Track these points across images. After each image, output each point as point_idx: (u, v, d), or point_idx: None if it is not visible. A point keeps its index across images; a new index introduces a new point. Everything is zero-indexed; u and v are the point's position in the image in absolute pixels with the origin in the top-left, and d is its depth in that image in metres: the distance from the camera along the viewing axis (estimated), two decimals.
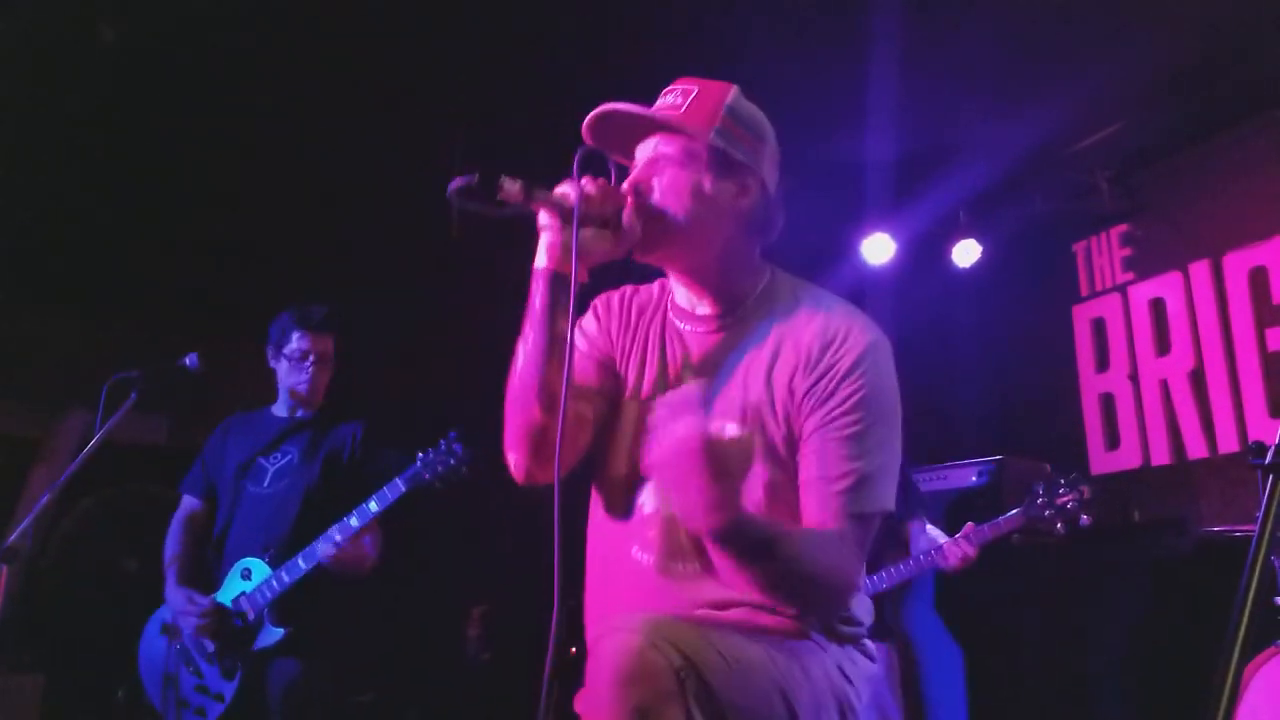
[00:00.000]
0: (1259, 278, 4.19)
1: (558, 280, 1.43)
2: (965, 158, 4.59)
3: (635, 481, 1.52)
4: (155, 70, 3.88)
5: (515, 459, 1.51)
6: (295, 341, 3.09)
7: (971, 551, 3.26)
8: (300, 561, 2.84)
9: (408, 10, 3.73)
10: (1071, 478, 3.26)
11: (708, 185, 1.51)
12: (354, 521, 2.82)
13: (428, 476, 2.81)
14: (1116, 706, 4.15)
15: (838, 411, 1.43)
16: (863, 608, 1.59)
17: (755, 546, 1.32)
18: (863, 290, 5.39)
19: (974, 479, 4.12)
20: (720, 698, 1.27)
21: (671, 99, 1.55)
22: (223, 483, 3.09)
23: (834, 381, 1.44)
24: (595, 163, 1.50)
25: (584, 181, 1.43)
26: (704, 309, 1.58)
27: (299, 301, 3.19)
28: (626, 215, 1.47)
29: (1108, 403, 4.72)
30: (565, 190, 1.43)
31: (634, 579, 1.52)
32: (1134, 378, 4.63)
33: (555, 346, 1.42)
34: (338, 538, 2.79)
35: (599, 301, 1.71)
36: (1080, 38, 3.86)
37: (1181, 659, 3.37)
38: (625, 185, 1.52)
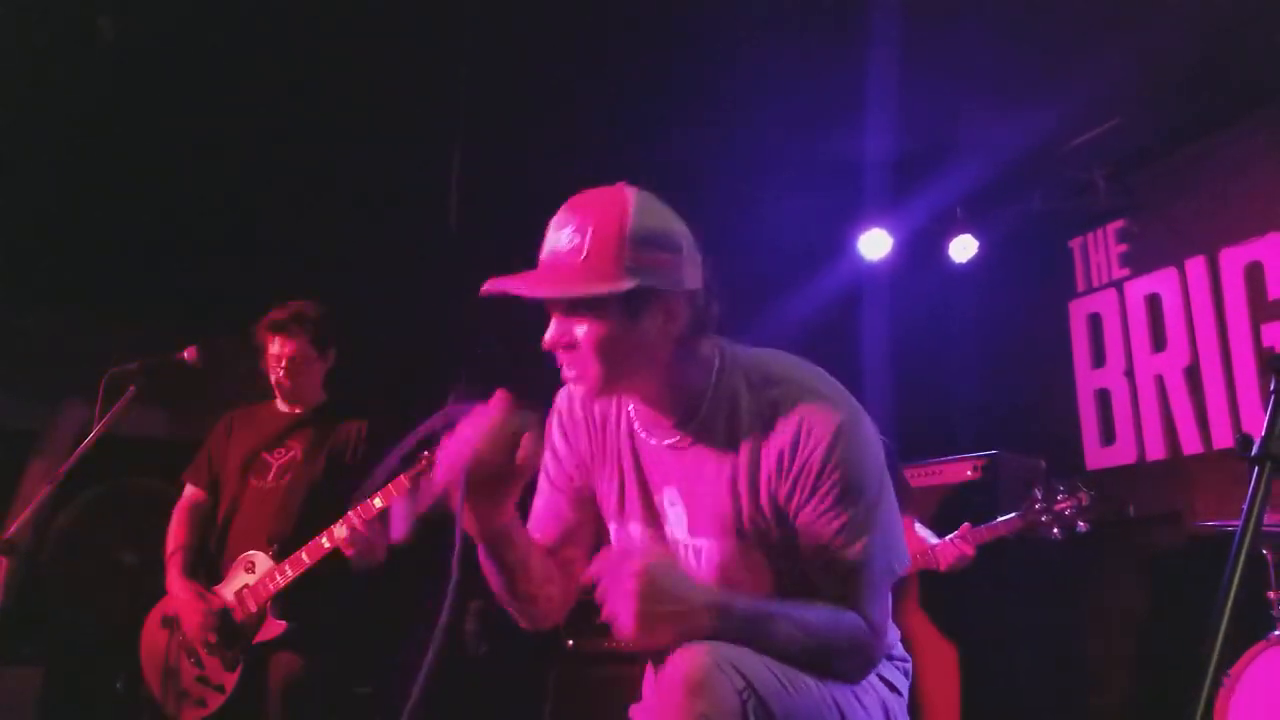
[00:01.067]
0: (1255, 273, 4.20)
1: (488, 541, 1.51)
2: (962, 154, 4.61)
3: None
4: (154, 67, 3.89)
5: (523, 621, 1.65)
6: (265, 343, 3.12)
7: (969, 551, 3.27)
8: (304, 555, 2.86)
9: (405, 7, 3.73)
10: (1070, 482, 3.26)
11: (630, 330, 1.43)
12: (357, 519, 2.83)
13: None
14: (1111, 701, 4.17)
15: (825, 505, 1.44)
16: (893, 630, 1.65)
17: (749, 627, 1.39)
18: (860, 286, 5.40)
19: (968, 474, 4.13)
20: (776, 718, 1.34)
21: (567, 240, 1.43)
22: (226, 475, 3.11)
23: (811, 478, 1.44)
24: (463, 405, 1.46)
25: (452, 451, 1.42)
26: (666, 422, 1.54)
27: (298, 292, 3.21)
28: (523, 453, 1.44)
29: (1103, 398, 4.74)
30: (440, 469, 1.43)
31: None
32: (1130, 373, 4.64)
33: (510, 568, 1.54)
34: (355, 520, 2.79)
35: (561, 410, 1.70)
36: (1077, 35, 3.87)
37: (1176, 653, 3.38)
38: (547, 340, 1.48)
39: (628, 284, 1.39)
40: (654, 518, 1.58)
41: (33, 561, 4.17)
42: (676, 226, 1.48)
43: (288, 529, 2.94)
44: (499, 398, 1.44)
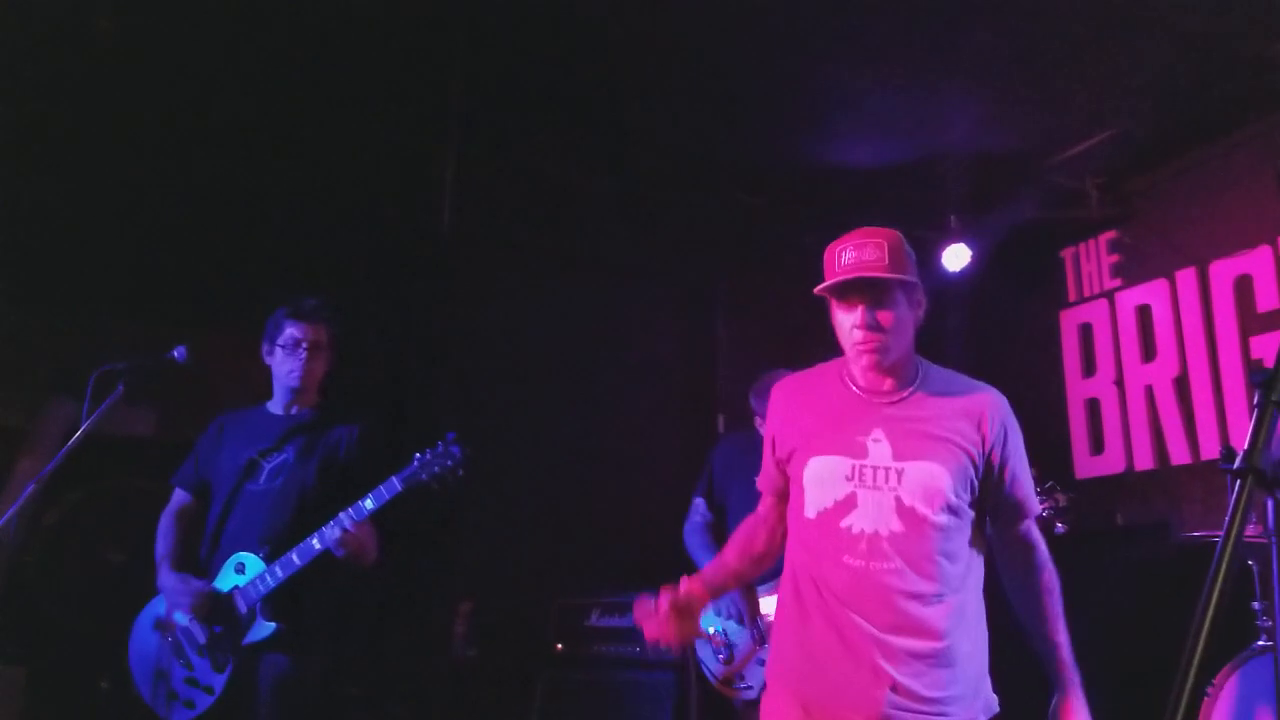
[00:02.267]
0: (1244, 286, 4.23)
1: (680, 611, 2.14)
2: (957, 163, 4.63)
3: (852, 508, 2.02)
4: (149, 66, 3.89)
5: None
6: (288, 331, 3.09)
7: None
8: (295, 557, 2.85)
9: (400, 8, 3.74)
10: (1048, 486, 3.27)
11: (909, 315, 2.07)
12: (347, 520, 2.83)
13: (424, 477, 2.82)
14: (1096, 711, 4.18)
15: (1008, 453, 2.06)
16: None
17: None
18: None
19: None
20: None
21: (871, 254, 2.02)
22: (217, 479, 3.09)
23: (1005, 434, 2.06)
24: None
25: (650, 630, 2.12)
26: (886, 385, 2.09)
27: (289, 293, 3.19)
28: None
29: (1093, 407, 4.76)
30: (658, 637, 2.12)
31: (847, 578, 1.99)
32: (1119, 383, 4.66)
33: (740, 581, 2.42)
34: (347, 521, 2.80)
35: (778, 394, 2.26)
36: (1072, 48, 3.89)
37: (1162, 664, 3.39)
38: (855, 320, 2.04)
39: (911, 279, 2.04)
40: (856, 450, 2.03)
41: (19, 560, 4.15)
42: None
43: (279, 531, 2.93)
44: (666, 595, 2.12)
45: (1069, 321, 4.96)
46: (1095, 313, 4.85)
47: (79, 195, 4.48)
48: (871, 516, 1.99)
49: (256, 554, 2.91)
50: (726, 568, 2.25)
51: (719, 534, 3.40)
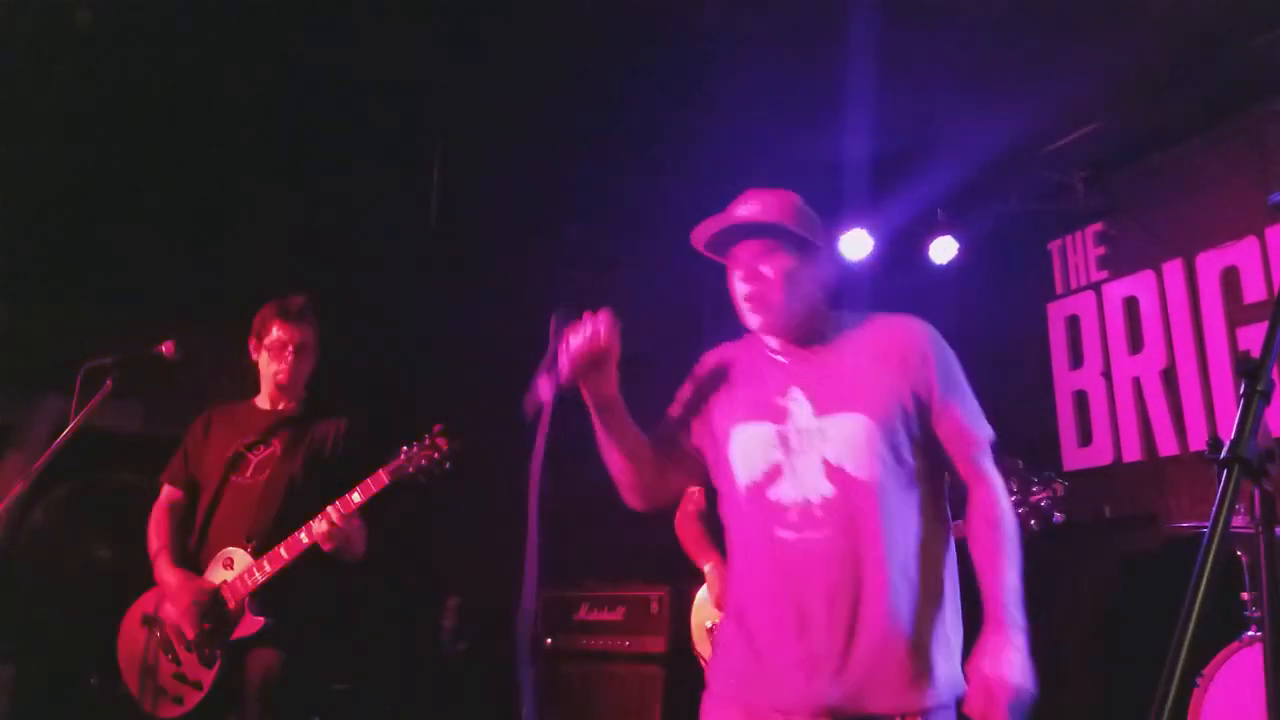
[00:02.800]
0: (1230, 278, 4.25)
1: (602, 413, 1.94)
2: (942, 155, 4.63)
3: (780, 476, 1.90)
4: (132, 57, 3.86)
5: (630, 501, 2.09)
6: (275, 332, 3.10)
7: None
8: (283, 551, 2.84)
9: (389, 7, 3.72)
10: (1045, 475, 3.27)
11: (810, 274, 1.97)
12: (335, 513, 2.82)
13: (411, 470, 2.82)
14: (1085, 703, 4.21)
15: (938, 384, 1.92)
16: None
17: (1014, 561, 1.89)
18: (840, 285, 5.42)
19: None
20: None
21: (759, 207, 1.96)
22: (205, 473, 3.08)
23: (924, 363, 1.92)
24: (564, 315, 1.92)
25: (568, 346, 1.86)
26: (797, 343, 2.00)
27: (276, 289, 3.19)
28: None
29: (1081, 400, 4.78)
30: (558, 368, 1.86)
31: (779, 553, 1.86)
32: (1107, 375, 4.68)
33: (617, 444, 1.98)
34: (333, 514, 2.79)
35: (705, 360, 2.14)
36: (1055, 38, 3.90)
37: (1151, 655, 3.42)
38: (740, 274, 1.96)
39: (809, 236, 1.94)
40: (777, 413, 1.93)
41: (7, 556, 4.13)
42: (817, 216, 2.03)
43: (266, 525, 2.93)
44: (600, 314, 1.89)
45: (1056, 314, 4.98)
46: (1082, 305, 4.86)
47: (66, 190, 4.45)
48: (799, 483, 1.85)
49: (244, 548, 2.90)
50: (631, 427, 2.01)
51: (712, 523, 3.40)
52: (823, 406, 1.88)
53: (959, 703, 1.80)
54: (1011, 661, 1.74)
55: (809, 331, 1.98)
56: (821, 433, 1.86)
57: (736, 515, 1.97)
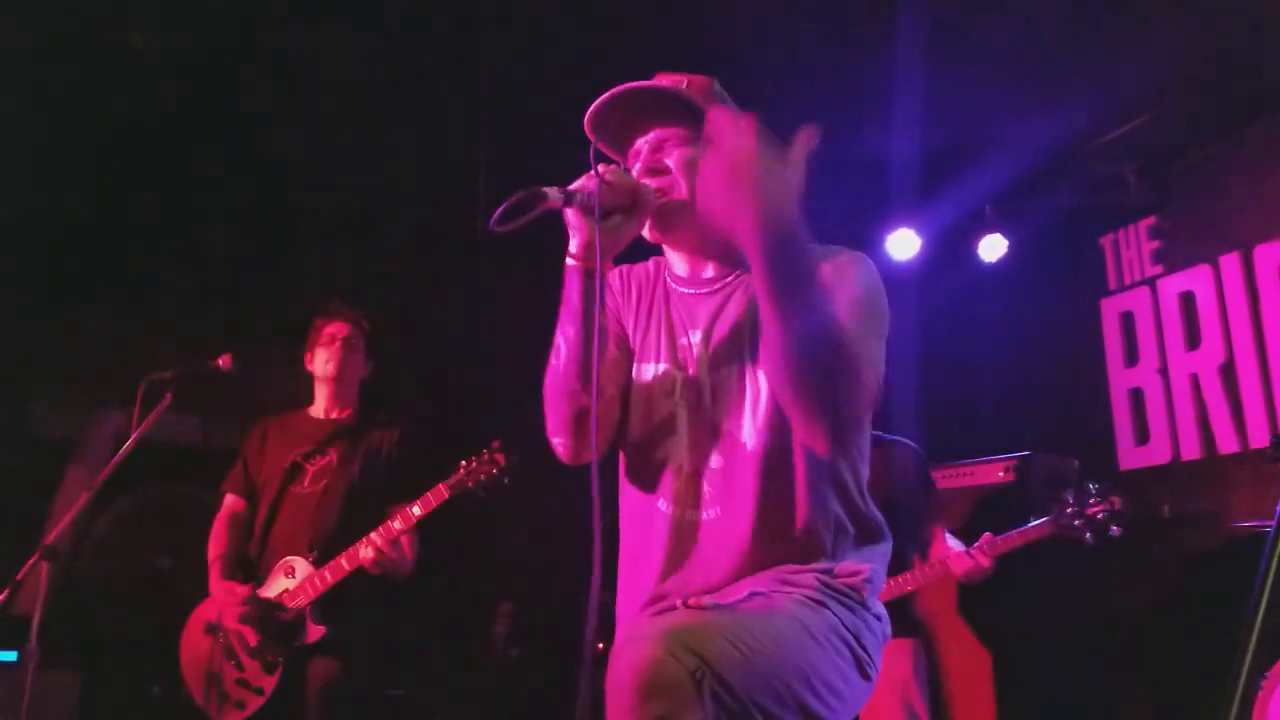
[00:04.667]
0: None
1: (590, 276, 1.51)
2: (991, 152, 4.57)
3: (672, 433, 1.61)
4: (186, 74, 3.95)
5: (562, 442, 1.62)
6: (321, 329, 3.21)
7: (985, 564, 3.21)
8: (343, 562, 2.90)
9: (431, 17, 3.77)
10: (1102, 486, 3.20)
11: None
12: (396, 524, 2.88)
13: (470, 485, 2.87)
14: (1147, 704, 4.12)
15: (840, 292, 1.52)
16: (879, 560, 1.62)
17: (802, 274, 1.38)
18: (888, 286, 5.36)
19: (1000, 475, 4.09)
20: (739, 691, 1.30)
21: (668, 83, 1.63)
22: (263, 482, 3.15)
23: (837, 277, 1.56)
24: (602, 157, 1.58)
25: (601, 171, 1.50)
26: (707, 273, 1.68)
27: (330, 302, 3.29)
28: (645, 196, 1.56)
29: (1137, 397, 4.68)
30: (585, 184, 1.50)
31: (661, 530, 1.59)
32: (1163, 372, 4.58)
33: (591, 337, 1.51)
34: (379, 541, 2.85)
35: (622, 272, 1.81)
36: (1107, 29, 3.83)
37: (1213, 656, 3.34)
38: (638, 170, 1.61)
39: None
40: (680, 361, 1.64)
41: (71, 567, 4.24)
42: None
43: (326, 534, 2.99)
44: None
45: (1110, 310, 4.88)
46: (1137, 300, 4.77)
47: (126, 210, 4.57)
48: (688, 447, 1.57)
49: (305, 558, 2.96)
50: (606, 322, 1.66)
51: None
52: (718, 357, 1.59)
53: None
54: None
55: (723, 255, 1.63)
56: (713, 389, 1.58)
57: (625, 477, 1.69)
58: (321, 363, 3.20)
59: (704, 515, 1.56)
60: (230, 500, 3.22)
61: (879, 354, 1.56)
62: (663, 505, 1.60)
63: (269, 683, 2.92)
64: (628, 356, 1.71)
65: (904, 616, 3.27)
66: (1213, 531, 4.10)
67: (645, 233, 1.62)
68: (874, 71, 3.97)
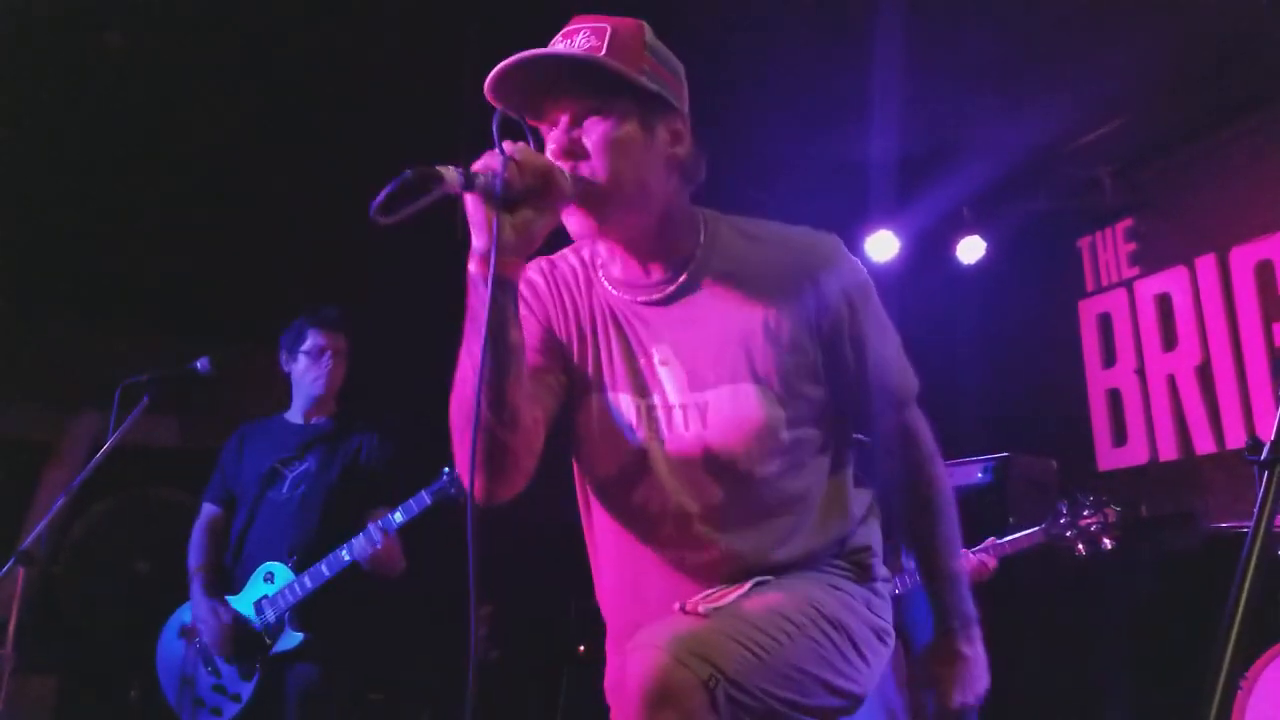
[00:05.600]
0: (1265, 272, 4.18)
1: (500, 280, 1.23)
2: (969, 154, 4.60)
3: (646, 473, 1.40)
4: (163, 75, 3.92)
5: (478, 482, 1.31)
6: (311, 339, 3.15)
7: (991, 563, 3.22)
8: (324, 568, 2.88)
9: (415, 14, 3.76)
10: (1095, 499, 3.21)
11: (642, 139, 1.33)
12: (378, 534, 2.86)
13: (453, 491, 2.86)
14: (1122, 704, 4.15)
15: (861, 325, 1.42)
16: (876, 527, 1.57)
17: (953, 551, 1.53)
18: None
19: (979, 476, 4.12)
20: (757, 693, 1.24)
21: (583, 40, 1.32)
22: (241, 489, 3.13)
23: (841, 303, 1.41)
24: (512, 129, 1.31)
25: (509, 149, 1.22)
26: (653, 275, 1.40)
27: (306, 305, 3.24)
28: (560, 178, 1.26)
29: (1114, 398, 4.72)
30: (489, 164, 1.22)
31: (654, 581, 1.44)
32: (1141, 373, 4.63)
33: (507, 356, 1.25)
34: (376, 534, 2.84)
35: (532, 278, 1.49)
36: (1083, 33, 3.87)
37: (1190, 656, 3.37)
38: (551, 150, 1.32)
39: (649, 84, 1.32)
40: (642, 387, 1.39)
41: (48, 571, 4.20)
42: (680, 64, 1.44)
43: (306, 540, 2.96)
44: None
45: (1087, 312, 4.93)
46: (1114, 302, 4.81)
47: (102, 211, 4.52)
48: (675, 488, 1.38)
49: (285, 564, 2.94)
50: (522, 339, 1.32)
51: None
52: (700, 376, 1.37)
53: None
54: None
55: (666, 250, 1.38)
56: (701, 411, 1.37)
57: (593, 526, 1.52)
58: (309, 376, 3.16)
59: (706, 556, 1.39)
60: (208, 509, 3.19)
61: (905, 362, 1.55)
62: (655, 550, 1.42)
63: (246, 689, 2.90)
64: (559, 372, 1.43)
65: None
66: (1190, 532, 4.14)
67: (570, 225, 1.34)
68: (853, 73, 3.99)
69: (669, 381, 1.38)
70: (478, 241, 1.24)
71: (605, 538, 1.51)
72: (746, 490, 1.38)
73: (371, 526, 2.86)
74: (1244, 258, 4.26)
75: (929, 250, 5.20)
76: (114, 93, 3.93)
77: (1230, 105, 4.29)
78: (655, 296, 1.40)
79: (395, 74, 4.06)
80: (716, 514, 1.38)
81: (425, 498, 2.86)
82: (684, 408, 1.38)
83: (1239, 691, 3.05)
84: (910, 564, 3.32)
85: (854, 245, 5.17)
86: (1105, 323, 4.84)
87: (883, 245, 5.12)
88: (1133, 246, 4.77)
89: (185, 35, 3.72)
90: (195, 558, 3.09)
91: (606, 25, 1.33)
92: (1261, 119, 4.27)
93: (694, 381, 1.37)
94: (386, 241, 5.24)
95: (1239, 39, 3.89)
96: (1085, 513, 3.18)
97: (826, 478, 1.46)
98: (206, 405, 4.24)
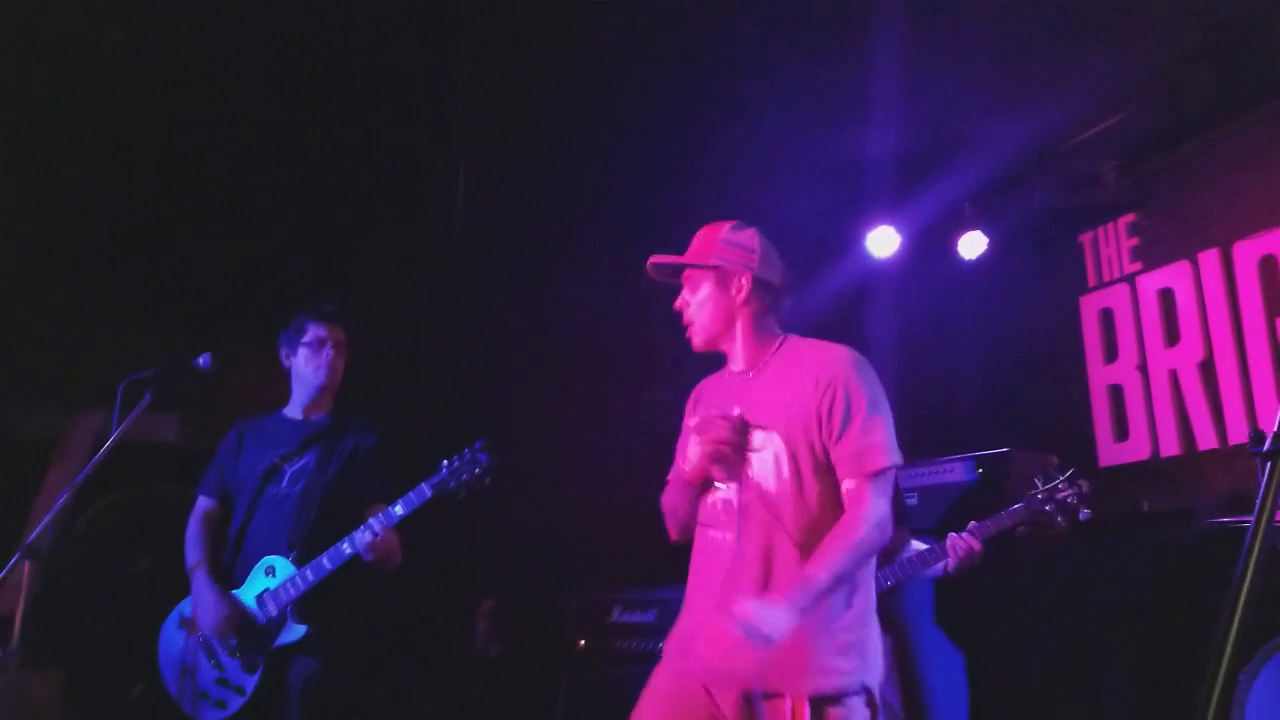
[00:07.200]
0: (1269, 267, 4.17)
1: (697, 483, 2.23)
2: (970, 149, 4.60)
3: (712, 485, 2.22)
4: (163, 73, 3.92)
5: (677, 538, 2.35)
6: (311, 331, 3.16)
7: (977, 546, 3.24)
8: (325, 561, 2.89)
9: (414, 13, 3.76)
10: (1070, 473, 3.25)
11: (718, 296, 2.25)
12: (378, 525, 2.87)
13: (453, 485, 2.86)
14: (1124, 701, 4.15)
15: (840, 410, 2.10)
16: None
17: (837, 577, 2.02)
18: (867, 284, 5.39)
19: (979, 471, 4.11)
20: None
21: (689, 245, 2.31)
22: (239, 485, 3.13)
23: (833, 391, 2.11)
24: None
25: (704, 451, 2.18)
26: (738, 366, 2.30)
27: (305, 300, 3.25)
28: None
29: (1116, 394, 4.72)
30: (696, 456, 2.19)
31: (710, 549, 2.17)
32: (1143, 369, 4.62)
33: (693, 504, 2.27)
34: (376, 525, 2.85)
35: (694, 394, 2.43)
36: (1085, 26, 3.86)
37: (1190, 651, 3.37)
38: (678, 303, 2.32)
39: (714, 263, 2.25)
40: None
41: (52, 567, 4.21)
42: (760, 244, 2.29)
43: (305, 534, 2.97)
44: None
45: (1089, 307, 4.92)
46: (1116, 297, 4.80)
47: (101, 209, 4.53)
48: (734, 490, 2.15)
49: (286, 557, 2.95)
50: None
51: None
52: (756, 422, 2.16)
53: (869, 694, 2.07)
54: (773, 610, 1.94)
55: (746, 352, 2.28)
56: (751, 444, 2.15)
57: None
58: (310, 368, 3.17)
59: (737, 536, 2.16)
60: (203, 502, 3.20)
61: (891, 436, 2.11)
62: (712, 531, 2.22)
63: (250, 682, 2.90)
64: None
65: (878, 616, 3.27)
66: (1191, 527, 4.14)
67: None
68: (853, 69, 3.99)
69: None
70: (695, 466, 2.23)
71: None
72: (765, 498, 2.19)
73: (372, 519, 2.87)
74: (1248, 253, 4.25)
75: (930, 246, 5.20)
76: (116, 89, 3.94)
77: (1234, 99, 4.28)
78: (737, 372, 2.32)
79: (394, 71, 4.06)
80: (747, 507, 2.18)
81: (425, 490, 2.88)
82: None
83: (1237, 687, 3.05)
84: (903, 555, 3.33)
85: (855, 241, 5.17)
86: (1107, 318, 4.83)
87: (884, 241, 5.12)
88: (1135, 242, 4.77)
89: (189, 31, 3.72)
90: (194, 551, 3.10)
91: (702, 233, 2.32)
92: (1265, 113, 4.26)
93: (749, 421, 2.23)
94: (388, 238, 5.25)
95: (1243, 33, 3.88)
96: (1060, 486, 3.21)
97: (825, 518, 2.15)
98: (205, 402, 4.25)
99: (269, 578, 2.96)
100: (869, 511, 2.04)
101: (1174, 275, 4.55)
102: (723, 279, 2.25)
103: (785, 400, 2.14)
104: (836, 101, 4.28)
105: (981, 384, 5.13)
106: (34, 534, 2.72)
